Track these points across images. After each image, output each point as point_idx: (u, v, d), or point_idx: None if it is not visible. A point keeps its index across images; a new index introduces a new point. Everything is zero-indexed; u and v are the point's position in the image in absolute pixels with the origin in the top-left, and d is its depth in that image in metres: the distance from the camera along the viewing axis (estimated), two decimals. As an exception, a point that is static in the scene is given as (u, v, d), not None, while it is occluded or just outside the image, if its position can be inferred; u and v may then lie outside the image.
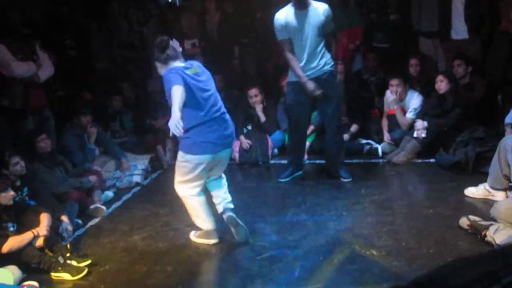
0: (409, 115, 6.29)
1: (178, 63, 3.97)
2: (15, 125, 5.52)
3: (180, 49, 4.06)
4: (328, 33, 5.26)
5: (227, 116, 4.11)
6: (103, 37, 7.80)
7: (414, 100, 6.31)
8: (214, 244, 4.29)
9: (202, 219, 4.27)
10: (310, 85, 5.15)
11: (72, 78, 6.73)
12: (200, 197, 4.21)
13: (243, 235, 4.21)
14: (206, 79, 4.00)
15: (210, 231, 4.29)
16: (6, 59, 5.28)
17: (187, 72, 3.88)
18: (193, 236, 4.43)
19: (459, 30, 6.69)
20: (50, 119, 5.85)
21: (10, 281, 3.71)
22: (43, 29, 6.61)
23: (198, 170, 4.01)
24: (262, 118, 6.69)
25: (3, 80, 5.37)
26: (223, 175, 4.40)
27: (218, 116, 3.99)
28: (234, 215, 4.25)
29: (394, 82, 6.33)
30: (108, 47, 7.89)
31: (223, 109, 4.08)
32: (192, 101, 3.85)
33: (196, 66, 4.03)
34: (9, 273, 3.76)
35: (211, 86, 4.04)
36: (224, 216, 4.27)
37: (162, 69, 3.99)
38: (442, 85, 5.94)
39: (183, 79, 3.79)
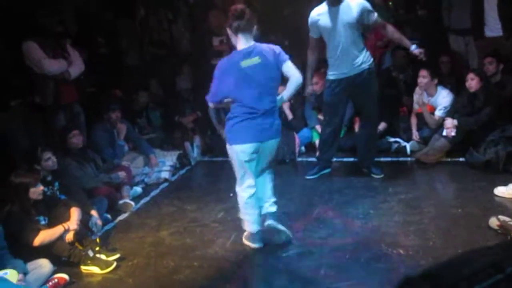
0: (438, 113, 6.20)
1: (246, 41, 3.77)
2: (47, 121, 5.62)
3: (254, 26, 3.80)
4: (373, 23, 5.12)
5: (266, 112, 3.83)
6: (134, 35, 7.88)
7: (444, 98, 6.21)
8: (241, 241, 4.30)
9: (246, 219, 4.16)
10: (308, 89, 5.57)
11: (102, 75, 6.82)
12: (246, 193, 4.07)
13: (284, 239, 4.17)
14: (259, 74, 3.77)
15: (253, 234, 4.17)
16: (38, 57, 5.38)
17: (242, 64, 3.74)
18: (244, 237, 4.29)
19: (493, 27, 6.56)
20: (80, 115, 5.95)
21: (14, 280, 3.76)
22: (74, 27, 6.72)
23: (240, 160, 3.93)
24: (289, 115, 6.69)
25: (35, 77, 5.47)
26: (269, 172, 4.17)
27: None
28: (274, 223, 4.16)
29: (421, 73, 6.24)
30: (138, 44, 7.97)
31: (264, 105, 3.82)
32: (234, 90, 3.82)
33: (258, 56, 3.75)
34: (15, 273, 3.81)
35: (262, 82, 3.79)
36: (265, 224, 4.19)
37: (232, 38, 3.84)
38: (473, 83, 5.84)
39: (228, 78, 3.77)
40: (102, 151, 5.84)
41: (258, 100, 3.80)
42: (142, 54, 8.03)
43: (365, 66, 5.18)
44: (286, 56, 3.87)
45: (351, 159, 6.04)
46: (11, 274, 3.68)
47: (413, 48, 5.21)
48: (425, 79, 6.19)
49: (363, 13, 5.01)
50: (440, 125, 6.09)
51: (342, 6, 5.01)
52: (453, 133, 5.84)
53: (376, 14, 5.11)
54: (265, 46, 3.85)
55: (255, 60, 3.75)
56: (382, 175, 5.57)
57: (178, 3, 8.54)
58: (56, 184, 4.77)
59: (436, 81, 6.25)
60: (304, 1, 5.52)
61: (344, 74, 5.21)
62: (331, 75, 5.33)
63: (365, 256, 3.90)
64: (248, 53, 3.76)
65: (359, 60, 5.15)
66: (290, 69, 3.87)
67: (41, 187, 4.27)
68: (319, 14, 5.12)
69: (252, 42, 3.81)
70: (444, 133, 5.91)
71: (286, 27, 7.87)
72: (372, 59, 5.30)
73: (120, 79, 7.38)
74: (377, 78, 5.46)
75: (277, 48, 3.86)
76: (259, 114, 3.81)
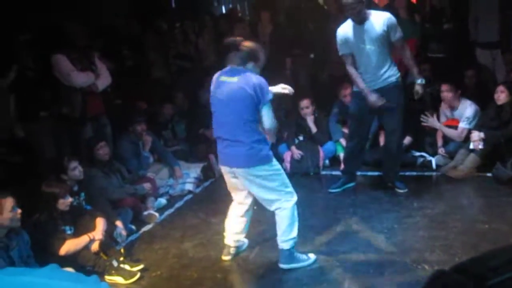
0: (462, 124, 6.11)
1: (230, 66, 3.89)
2: (74, 133, 5.71)
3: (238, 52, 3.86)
4: (395, 41, 5.09)
5: (233, 137, 3.82)
6: (160, 48, 7.98)
7: (467, 109, 6.14)
8: (264, 254, 4.30)
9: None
10: (372, 97, 5.14)
11: (128, 87, 6.91)
12: (232, 205, 4.27)
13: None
14: (230, 94, 3.79)
15: (225, 245, 4.34)
16: (67, 70, 5.48)
17: (221, 77, 3.88)
18: None
19: None
20: (107, 127, 6.03)
21: None
22: (102, 41, 6.84)
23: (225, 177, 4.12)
24: (313, 129, 6.68)
25: (63, 89, 5.57)
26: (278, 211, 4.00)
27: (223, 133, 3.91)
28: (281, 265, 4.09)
29: (443, 87, 6.19)
30: (164, 57, 8.06)
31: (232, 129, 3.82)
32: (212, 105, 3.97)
33: (236, 77, 3.77)
34: None
35: (232, 102, 3.78)
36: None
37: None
38: (502, 95, 5.75)
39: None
40: (127, 163, 5.90)
41: (222, 122, 3.95)
42: (167, 67, 8.12)
43: (391, 79, 5.17)
44: (267, 97, 3.81)
45: (376, 173, 6.00)
46: None
47: (419, 81, 5.26)
48: (450, 93, 6.14)
49: (390, 29, 5.00)
50: (466, 139, 6.01)
51: (368, 23, 5.00)
52: (480, 146, 5.75)
53: (401, 34, 5.09)
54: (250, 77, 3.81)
55: (234, 79, 3.81)
56: (406, 190, 5.51)
57: (203, 17, 8.63)
58: (82, 194, 4.83)
59: (459, 92, 6.20)
60: (329, 15, 5.53)
61: (369, 87, 5.18)
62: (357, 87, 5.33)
63: (389, 271, 3.87)
64: (230, 73, 3.87)
65: (385, 74, 5.14)
66: (264, 114, 3.90)
67: (70, 199, 4.33)
68: (346, 32, 5.11)
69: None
70: (471, 147, 5.82)
71: (311, 41, 7.88)
72: (399, 74, 5.27)
73: (146, 91, 7.47)
74: (403, 93, 5.43)
75: (259, 85, 3.78)
76: (221, 139, 3.95)
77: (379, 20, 4.99)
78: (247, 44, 3.87)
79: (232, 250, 4.32)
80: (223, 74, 3.88)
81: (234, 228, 4.25)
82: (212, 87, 3.93)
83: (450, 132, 6.21)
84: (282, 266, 4.04)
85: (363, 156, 5.91)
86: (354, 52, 5.15)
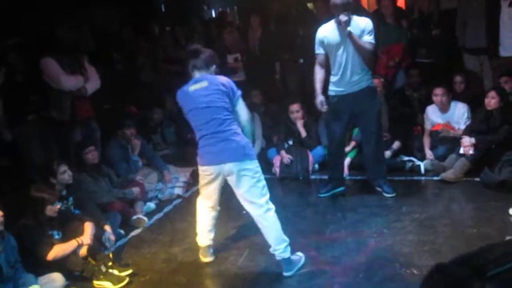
0: (464, 126, 6.17)
1: (197, 75, 4.00)
2: (63, 137, 5.68)
3: (212, 65, 4.03)
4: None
5: (220, 134, 3.87)
6: (149, 52, 7.96)
7: (461, 110, 6.20)
8: (253, 258, 4.30)
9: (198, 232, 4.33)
10: (318, 99, 5.27)
11: (117, 91, 6.88)
12: (202, 210, 4.26)
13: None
14: (206, 95, 3.90)
15: (202, 247, 4.34)
16: (56, 73, 5.45)
17: (190, 88, 3.96)
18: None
19: (508, 46, 6.53)
20: (96, 131, 6.00)
21: None
22: (91, 44, 6.82)
23: (204, 181, 4.08)
24: (303, 133, 6.70)
25: (52, 93, 5.54)
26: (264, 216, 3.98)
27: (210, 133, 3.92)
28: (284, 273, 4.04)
29: (438, 91, 6.20)
30: (153, 61, 8.05)
31: (217, 127, 3.88)
32: (190, 117, 4.02)
33: (205, 81, 3.93)
34: None
35: (210, 102, 3.89)
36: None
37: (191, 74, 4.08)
38: (493, 101, 5.77)
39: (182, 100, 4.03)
40: (116, 167, 5.88)
41: (206, 122, 3.90)
42: (157, 71, 8.10)
43: (364, 83, 5.21)
44: (238, 92, 3.96)
45: (364, 177, 6.01)
46: None
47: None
48: (444, 97, 6.17)
49: (364, 30, 5.05)
50: (457, 143, 6.03)
51: (350, 25, 5.05)
52: (471, 151, 5.77)
53: (372, 40, 5.10)
54: (218, 77, 3.99)
55: (203, 83, 3.92)
56: (394, 194, 5.52)
57: (193, 21, 8.63)
58: (71, 199, 4.80)
59: (450, 96, 6.25)
60: (320, 21, 5.55)
61: (343, 91, 5.23)
62: (332, 91, 5.37)
63: (378, 275, 3.88)
64: (198, 80, 3.96)
65: (359, 78, 5.18)
66: (240, 108, 3.99)
67: (58, 206, 4.31)
68: (327, 31, 5.19)
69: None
70: (461, 151, 5.85)
71: (301, 46, 7.91)
72: (371, 79, 5.33)
73: (135, 95, 7.44)
74: (378, 97, 5.46)
75: (230, 82, 3.97)
76: (208, 137, 3.90)
77: (358, 24, 5.06)
78: (207, 50, 4.07)
79: (211, 250, 4.36)
80: (191, 84, 3.97)
81: (206, 228, 4.28)
82: (183, 103, 4.02)
83: (450, 132, 6.23)
84: (287, 274, 3.97)
85: (343, 159, 5.96)
86: (329, 54, 5.22)
